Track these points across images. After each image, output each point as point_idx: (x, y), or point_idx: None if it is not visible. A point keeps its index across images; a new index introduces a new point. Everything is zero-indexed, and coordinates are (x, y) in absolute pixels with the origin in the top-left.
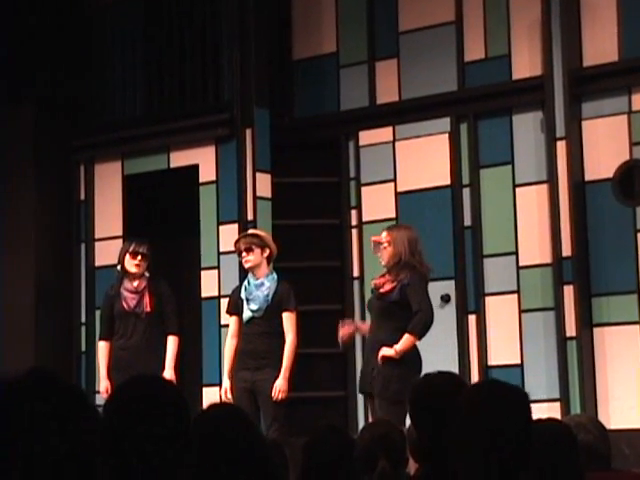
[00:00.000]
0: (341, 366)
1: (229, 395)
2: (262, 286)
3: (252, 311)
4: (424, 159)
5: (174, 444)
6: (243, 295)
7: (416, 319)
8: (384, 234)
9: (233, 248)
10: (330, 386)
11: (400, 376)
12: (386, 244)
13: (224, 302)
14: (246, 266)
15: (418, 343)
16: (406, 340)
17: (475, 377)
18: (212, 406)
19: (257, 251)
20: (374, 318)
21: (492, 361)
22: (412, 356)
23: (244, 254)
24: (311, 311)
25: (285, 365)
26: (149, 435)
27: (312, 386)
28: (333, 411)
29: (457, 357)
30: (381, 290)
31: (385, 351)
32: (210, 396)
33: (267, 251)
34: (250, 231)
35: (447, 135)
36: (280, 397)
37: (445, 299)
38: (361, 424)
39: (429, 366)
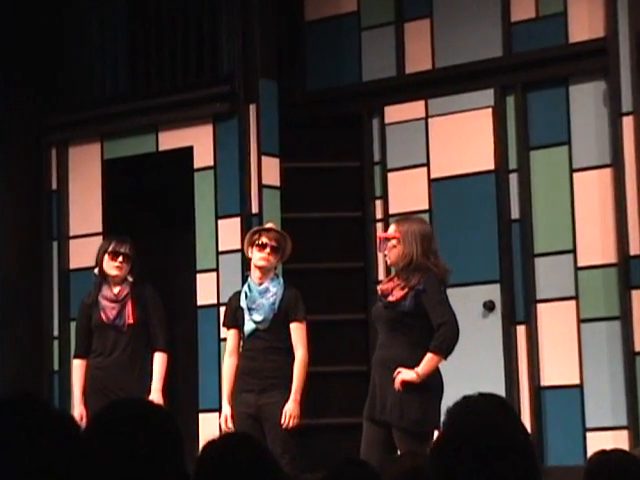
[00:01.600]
0: (363, 387)
1: (230, 423)
2: (267, 292)
3: (255, 322)
4: (463, 139)
5: None
6: (244, 303)
7: (440, 335)
8: (392, 228)
9: (243, 243)
10: (350, 411)
11: (421, 403)
12: (394, 242)
13: (224, 311)
14: (259, 264)
15: (448, 360)
16: (430, 361)
17: (525, 400)
18: (223, 437)
19: (278, 254)
20: (383, 331)
21: (545, 381)
22: (434, 379)
23: (267, 251)
24: (327, 322)
25: (296, 386)
26: (134, 471)
27: (329, 411)
28: (353, 441)
29: (503, 376)
30: (390, 298)
31: (405, 375)
32: (208, 424)
33: (281, 255)
34: (272, 225)
35: (490, 110)
36: (291, 424)
37: (488, 307)
38: None
39: (468, 387)
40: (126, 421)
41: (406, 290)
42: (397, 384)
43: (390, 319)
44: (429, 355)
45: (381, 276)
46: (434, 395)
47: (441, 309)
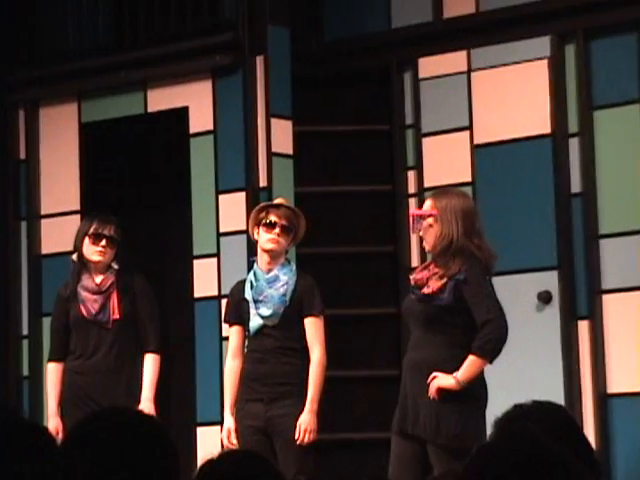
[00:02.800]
0: (393, 395)
1: (233, 439)
2: (276, 281)
3: (263, 317)
4: (512, 97)
5: None
6: (249, 295)
7: (485, 334)
8: (428, 204)
9: (248, 223)
10: (377, 424)
11: (461, 415)
12: (431, 220)
13: (226, 305)
14: (267, 247)
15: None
16: (472, 365)
17: (588, 410)
18: (224, 455)
19: (290, 235)
20: (416, 328)
21: (612, 387)
22: (477, 386)
23: (276, 231)
24: (350, 317)
25: (312, 394)
26: None
27: (352, 424)
28: (381, 459)
29: (562, 381)
30: (425, 290)
31: (441, 380)
32: (207, 440)
33: (293, 236)
34: (282, 201)
35: (546, 62)
36: (307, 439)
37: (544, 298)
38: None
39: (519, 395)
40: (110, 435)
41: (444, 280)
42: (432, 392)
43: (425, 315)
44: (471, 358)
45: (415, 262)
46: (476, 405)
47: (486, 303)
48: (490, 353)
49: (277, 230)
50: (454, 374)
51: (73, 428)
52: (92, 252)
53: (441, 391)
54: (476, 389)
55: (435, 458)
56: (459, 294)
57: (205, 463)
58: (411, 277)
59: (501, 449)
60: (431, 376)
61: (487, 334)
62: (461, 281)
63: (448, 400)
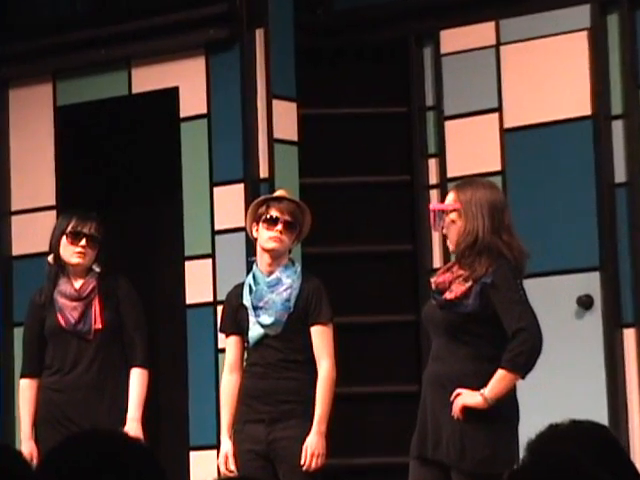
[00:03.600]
0: (412, 414)
1: (231, 465)
2: (279, 285)
3: (264, 326)
4: (548, 74)
5: None
6: (248, 301)
7: (516, 345)
8: (451, 197)
9: (247, 218)
10: (394, 447)
11: (489, 437)
12: (454, 215)
13: (222, 312)
14: (268, 246)
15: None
16: (501, 381)
17: (636, 430)
18: None
19: (294, 232)
20: (437, 338)
21: None
22: (507, 405)
23: (278, 228)
24: (363, 325)
25: (320, 413)
26: None
27: (366, 447)
28: None
29: (605, 397)
30: (447, 295)
31: (467, 398)
32: (202, 466)
33: (297, 233)
34: (284, 193)
35: (585, 34)
36: (314, 465)
37: (584, 303)
38: None
39: (557, 413)
40: (91, 461)
41: (469, 283)
42: (456, 411)
43: (447, 324)
44: (500, 372)
45: (437, 263)
46: (506, 426)
47: (517, 310)
48: (522, 367)
49: (279, 227)
50: (481, 391)
51: (49, 453)
52: (70, 253)
53: (466, 410)
54: (506, 408)
55: None
56: (486, 300)
57: None
58: (432, 280)
59: (536, 475)
60: (455, 393)
61: (519, 345)
62: (488, 285)
63: (474, 420)
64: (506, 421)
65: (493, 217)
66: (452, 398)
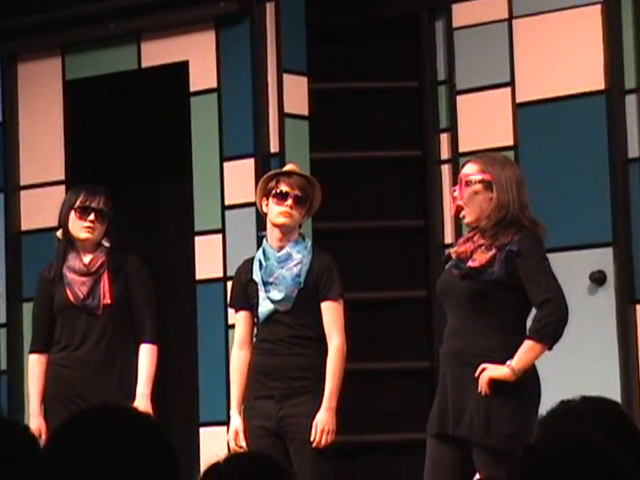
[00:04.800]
0: (425, 391)
1: (241, 441)
2: (289, 260)
3: (274, 302)
4: (561, 48)
5: None
6: (258, 276)
7: (544, 315)
8: (474, 168)
9: (256, 193)
10: (407, 424)
11: (515, 412)
12: (479, 187)
13: (231, 287)
14: (278, 221)
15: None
16: (529, 351)
17: None
18: (231, 458)
19: (304, 207)
20: (458, 311)
21: None
22: (530, 380)
23: (288, 203)
24: (374, 301)
25: (330, 389)
26: None
27: (377, 424)
28: (412, 466)
29: (618, 374)
30: (470, 263)
31: (495, 371)
32: (212, 442)
33: (307, 207)
34: (294, 168)
35: (599, 7)
36: (324, 441)
37: (597, 279)
38: None
39: (570, 389)
40: (99, 437)
41: (493, 251)
42: (483, 385)
43: (471, 293)
44: (528, 343)
45: (449, 239)
46: (530, 402)
47: (544, 280)
48: (550, 338)
49: (289, 201)
50: (508, 362)
51: (57, 429)
52: (79, 228)
53: (492, 385)
54: (530, 384)
55: (481, 462)
56: (511, 269)
57: (209, 468)
58: (452, 250)
59: (550, 451)
60: (480, 368)
61: (546, 316)
62: (514, 253)
63: (500, 395)
64: (530, 397)
65: (519, 193)
66: (477, 373)
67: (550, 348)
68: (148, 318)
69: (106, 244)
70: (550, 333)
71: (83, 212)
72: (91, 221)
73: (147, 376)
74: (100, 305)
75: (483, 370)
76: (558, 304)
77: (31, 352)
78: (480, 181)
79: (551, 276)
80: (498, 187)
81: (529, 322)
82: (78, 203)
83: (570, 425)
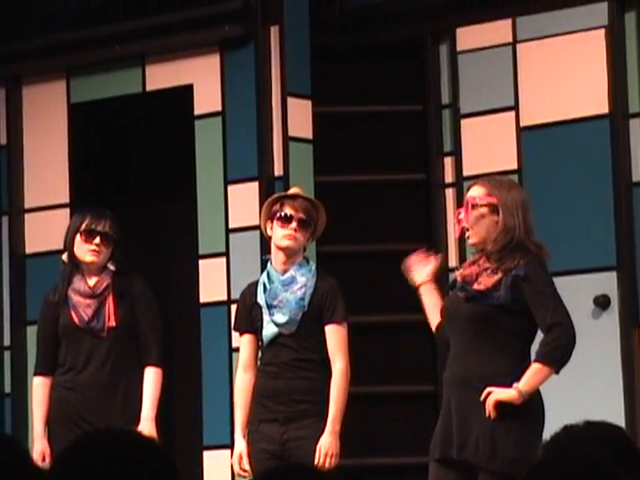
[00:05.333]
0: (429, 414)
1: (245, 464)
2: (293, 284)
3: (278, 325)
4: (565, 72)
5: None
6: (262, 299)
7: (552, 339)
8: (480, 191)
9: (261, 216)
10: (411, 448)
11: (520, 436)
12: (484, 210)
13: (236, 311)
14: (282, 244)
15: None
16: (536, 375)
17: None
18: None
19: (308, 230)
20: (462, 335)
21: None
22: (535, 403)
23: (292, 226)
24: (378, 324)
25: (334, 412)
26: None
27: (381, 448)
28: None
29: (622, 396)
30: (476, 286)
31: (500, 394)
32: (216, 465)
33: (311, 231)
34: (299, 191)
35: (603, 32)
36: (328, 464)
37: (601, 303)
38: None
39: (574, 414)
40: (104, 461)
41: (499, 275)
42: (490, 408)
43: (475, 316)
44: (536, 366)
45: (453, 262)
46: (535, 427)
47: (551, 304)
48: (558, 361)
49: (293, 225)
50: (514, 385)
51: (62, 453)
52: (85, 251)
53: (499, 408)
54: (535, 408)
55: None
56: (517, 293)
57: None
58: (457, 274)
59: (555, 471)
60: (485, 391)
61: (554, 339)
62: (520, 277)
63: (505, 420)
64: (535, 421)
65: (526, 218)
66: (483, 397)
67: (557, 372)
68: (153, 341)
69: (112, 267)
70: (558, 357)
71: (89, 235)
72: (97, 244)
73: (152, 399)
74: (105, 327)
75: (489, 394)
76: (566, 328)
77: (35, 374)
78: (486, 204)
79: (559, 300)
80: (504, 210)
81: (534, 347)
82: (84, 226)
83: (574, 448)
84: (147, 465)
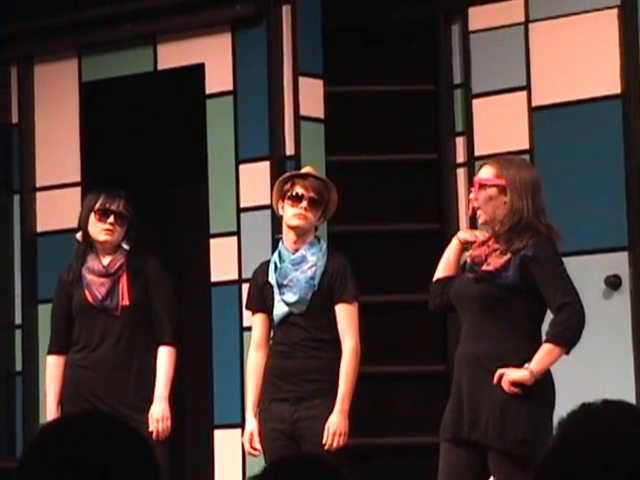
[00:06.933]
0: (439, 394)
1: (256, 443)
2: (303, 263)
3: (288, 304)
4: (577, 52)
5: None
6: (273, 278)
7: (563, 319)
8: (489, 171)
9: (273, 194)
10: (421, 427)
11: (531, 416)
12: (493, 190)
13: (248, 290)
14: (293, 223)
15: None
16: (548, 355)
17: None
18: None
19: (319, 209)
20: (472, 315)
21: None
22: (546, 384)
23: (303, 205)
24: (389, 304)
25: (343, 392)
26: None
27: (391, 427)
28: (425, 468)
29: (633, 376)
30: (485, 267)
31: (514, 374)
32: (227, 444)
33: (322, 210)
34: (310, 170)
35: (616, 11)
36: (336, 444)
37: (612, 283)
38: None
39: (585, 394)
40: (64, 456)
41: (508, 256)
42: (507, 386)
43: (484, 296)
44: (547, 346)
45: None
46: (546, 407)
47: (561, 284)
48: (569, 341)
49: (304, 204)
50: (526, 365)
51: (27, 448)
52: (98, 230)
53: (511, 388)
54: (545, 388)
55: (496, 466)
56: (525, 273)
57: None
58: (466, 254)
59: (585, 445)
60: (497, 373)
61: (565, 319)
62: (529, 258)
63: (516, 399)
64: (545, 402)
65: (535, 198)
66: (496, 378)
67: (568, 352)
68: (167, 320)
69: (125, 247)
70: (569, 337)
71: (102, 214)
72: (110, 223)
73: (165, 378)
74: (118, 306)
75: (501, 376)
76: (576, 308)
77: (49, 353)
78: (494, 185)
79: (568, 281)
80: (512, 192)
81: (544, 327)
82: (98, 205)
83: (590, 429)
84: (127, 457)
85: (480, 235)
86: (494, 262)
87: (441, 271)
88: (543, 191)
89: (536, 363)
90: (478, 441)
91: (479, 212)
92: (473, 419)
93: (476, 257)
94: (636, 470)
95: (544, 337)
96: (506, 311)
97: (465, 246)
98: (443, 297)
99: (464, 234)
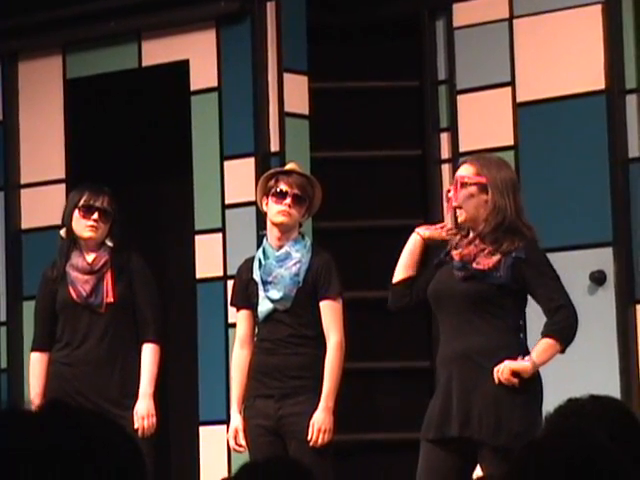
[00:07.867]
0: (423, 390)
1: (241, 440)
2: (288, 259)
3: (273, 301)
4: (561, 48)
5: None
6: (257, 275)
7: (561, 319)
8: (470, 170)
9: (257, 191)
10: (405, 423)
11: (524, 410)
12: (474, 189)
13: (232, 286)
14: (277, 220)
15: None
16: (548, 349)
17: None
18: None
19: (303, 206)
20: (457, 313)
21: None
22: (536, 380)
23: (287, 202)
24: (373, 300)
25: (327, 388)
26: None
27: (375, 423)
28: (408, 464)
29: (618, 372)
30: (475, 265)
31: (514, 364)
32: (211, 441)
33: (306, 206)
34: (294, 167)
35: (600, 7)
36: (321, 440)
37: (597, 279)
38: None
39: (570, 389)
40: (45, 452)
41: (497, 257)
42: (507, 376)
43: (474, 294)
44: (548, 341)
45: None
46: (537, 400)
47: (556, 287)
48: (568, 340)
49: (288, 200)
50: (527, 357)
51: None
52: (82, 227)
53: (508, 380)
54: (536, 385)
55: (489, 461)
56: (517, 275)
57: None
58: (454, 253)
59: (549, 448)
60: (496, 369)
61: (564, 319)
62: (522, 260)
63: (509, 393)
64: (536, 396)
65: (515, 197)
66: (499, 369)
67: (563, 351)
68: (151, 317)
69: (109, 243)
70: (567, 336)
71: (87, 211)
72: (95, 220)
73: (150, 375)
74: (103, 303)
75: (497, 368)
76: (571, 310)
77: (33, 350)
78: (475, 183)
79: (559, 282)
80: (494, 190)
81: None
82: (82, 202)
83: (575, 424)
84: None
85: (443, 232)
86: (484, 262)
87: (404, 271)
88: (520, 191)
89: (538, 356)
90: (471, 438)
91: (459, 211)
92: (465, 416)
93: (465, 255)
94: None
95: (540, 335)
96: (494, 308)
97: (428, 243)
98: (412, 296)
99: (426, 231)
